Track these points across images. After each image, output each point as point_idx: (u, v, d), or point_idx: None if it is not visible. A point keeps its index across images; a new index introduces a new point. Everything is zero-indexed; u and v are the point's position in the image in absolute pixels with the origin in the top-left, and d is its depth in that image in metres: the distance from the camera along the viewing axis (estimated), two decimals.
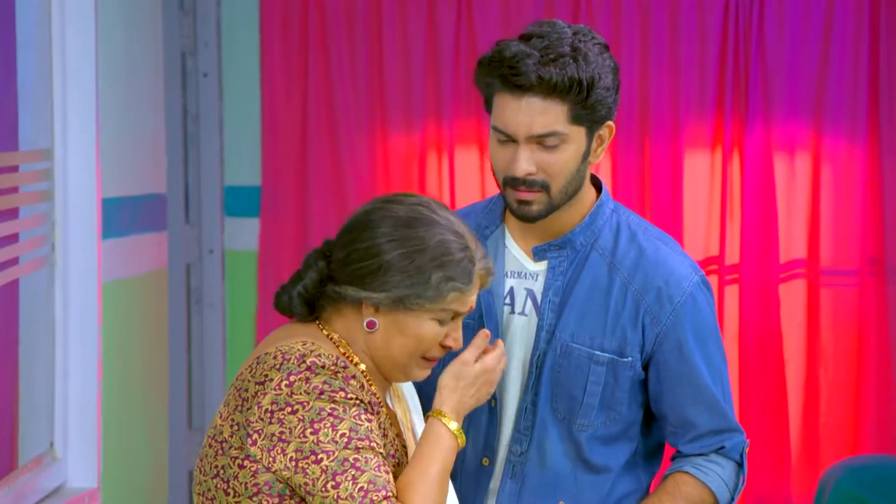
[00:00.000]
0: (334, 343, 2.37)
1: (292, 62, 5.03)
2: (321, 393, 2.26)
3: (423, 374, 2.41)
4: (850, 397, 4.92)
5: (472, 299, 2.37)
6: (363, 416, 2.27)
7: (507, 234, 2.70)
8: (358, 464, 2.23)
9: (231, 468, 2.30)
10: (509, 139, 2.57)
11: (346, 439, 2.24)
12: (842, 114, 4.86)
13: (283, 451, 2.26)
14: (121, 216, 4.24)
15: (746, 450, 2.76)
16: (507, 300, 2.69)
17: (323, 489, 2.23)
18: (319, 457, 2.24)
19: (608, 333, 2.66)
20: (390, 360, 2.38)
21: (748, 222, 4.90)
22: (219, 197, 5.16)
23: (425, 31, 4.96)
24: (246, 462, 2.29)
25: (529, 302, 2.69)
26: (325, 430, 2.25)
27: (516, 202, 2.60)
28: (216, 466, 2.32)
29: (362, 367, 2.37)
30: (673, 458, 2.80)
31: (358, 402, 2.28)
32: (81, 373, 3.90)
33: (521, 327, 2.69)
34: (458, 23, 4.94)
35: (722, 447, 2.73)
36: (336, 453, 2.23)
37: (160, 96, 4.65)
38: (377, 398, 2.38)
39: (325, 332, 2.38)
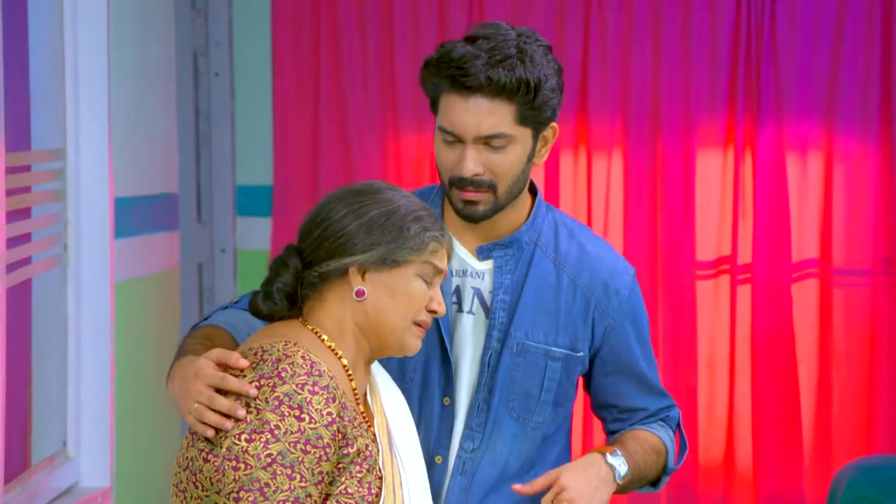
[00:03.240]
0: (317, 336, 2.38)
1: (304, 62, 5.02)
2: (278, 423, 2.25)
3: (417, 343, 2.43)
4: (863, 397, 4.90)
5: (444, 262, 2.41)
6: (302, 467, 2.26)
7: (449, 234, 2.71)
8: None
9: (197, 461, 2.30)
10: (456, 139, 2.60)
11: (270, 459, 2.24)
12: (854, 113, 4.84)
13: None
14: (133, 216, 4.24)
15: (680, 419, 2.86)
16: (455, 298, 2.72)
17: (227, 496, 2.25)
18: (238, 465, 2.25)
19: (561, 329, 2.71)
20: (385, 327, 2.39)
21: (760, 222, 4.89)
22: (231, 196, 5.16)
23: (436, 31, 4.96)
24: (210, 456, 2.29)
25: (476, 301, 2.71)
26: (256, 443, 2.25)
27: (462, 202, 2.63)
28: (187, 458, 2.32)
29: (344, 361, 2.38)
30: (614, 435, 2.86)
31: (306, 440, 2.25)
32: (94, 372, 3.91)
33: (471, 326, 2.73)
34: (470, 23, 4.93)
35: (667, 417, 2.84)
36: (254, 471, 2.24)
37: (172, 96, 4.65)
38: (355, 394, 2.38)
39: (308, 327, 2.39)
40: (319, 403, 2.27)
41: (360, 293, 2.37)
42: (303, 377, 2.28)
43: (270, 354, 2.31)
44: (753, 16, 4.85)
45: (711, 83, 4.88)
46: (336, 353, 2.38)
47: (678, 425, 2.86)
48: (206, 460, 2.28)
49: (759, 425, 4.91)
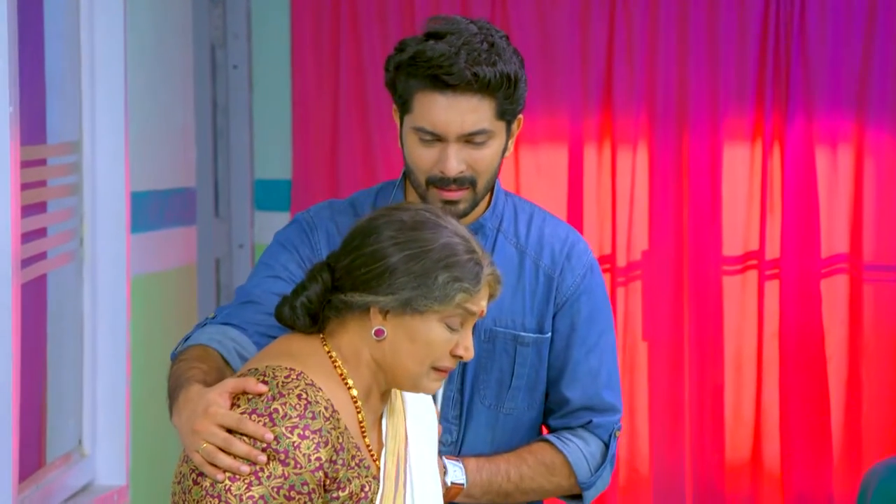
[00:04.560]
0: (332, 361, 2.32)
1: (323, 54, 4.99)
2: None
3: (435, 386, 2.36)
4: (894, 395, 4.87)
5: (481, 304, 2.33)
6: None
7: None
8: None
9: (187, 480, 2.25)
10: (435, 139, 2.57)
11: (251, 502, 2.19)
12: (885, 106, 4.81)
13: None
14: (149, 210, 4.22)
15: (617, 433, 2.74)
16: None
17: None
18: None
19: (528, 312, 2.68)
20: (400, 370, 2.32)
21: (789, 217, 4.86)
22: (248, 191, 5.14)
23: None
24: (199, 479, 2.23)
25: None
26: (240, 483, 2.20)
27: (442, 202, 2.60)
28: (181, 473, 2.27)
29: (354, 392, 2.32)
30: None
31: (290, 486, 2.20)
32: (110, 369, 3.89)
33: None
34: (493, 14, 4.90)
35: (590, 422, 2.72)
36: None
37: (189, 89, 4.63)
38: (362, 427, 2.32)
39: (326, 348, 2.33)
40: (308, 448, 2.21)
41: (378, 333, 2.31)
42: (294, 419, 2.22)
43: (270, 386, 2.25)
44: (783, 6, 4.82)
45: (739, 75, 4.84)
46: (346, 383, 2.32)
47: (610, 437, 2.73)
48: (195, 482, 2.23)
49: (787, 423, 4.89)
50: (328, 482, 2.23)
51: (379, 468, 2.35)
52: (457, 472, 2.61)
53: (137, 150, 4.01)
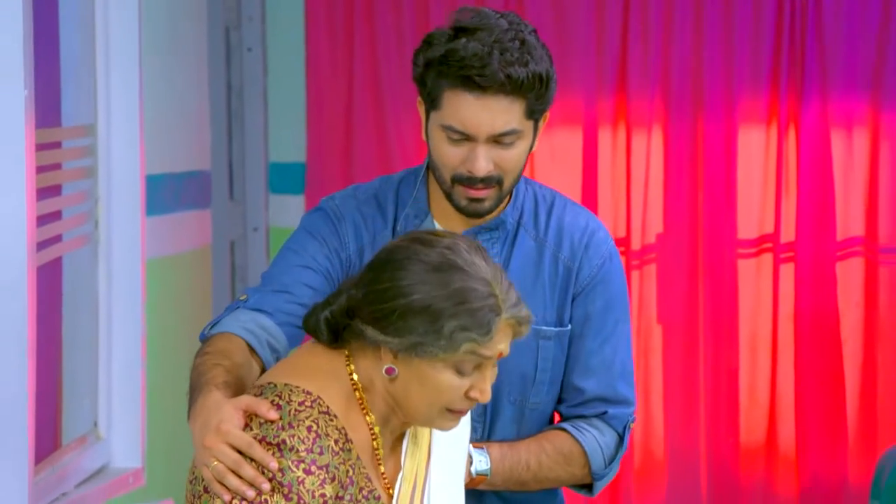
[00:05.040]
0: (353, 385, 2.28)
1: (338, 37, 4.98)
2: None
3: (451, 425, 2.33)
4: None
5: (498, 347, 2.27)
6: None
7: (436, 223, 2.66)
8: None
9: (198, 485, 2.24)
10: (464, 138, 2.54)
11: None
12: None
13: None
14: (164, 193, 4.22)
15: (631, 425, 2.72)
16: None
17: None
18: None
19: (548, 306, 2.66)
20: (412, 409, 2.29)
21: (804, 199, 4.85)
22: (263, 174, 5.14)
23: (473, 4, 4.90)
24: (206, 495, 2.22)
25: None
26: None
27: (467, 199, 2.58)
28: (192, 474, 2.27)
29: (369, 418, 2.29)
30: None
31: None
32: (125, 351, 3.89)
33: None
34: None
35: (605, 412, 2.70)
36: None
37: (204, 72, 4.63)
38: (376, 455, 2.29)
39: (349, 368, 2.30)
40: (313, 485, 2.19)
41: (389, 371, 2.27)
42: (301, 454, 2.19)
43: (285, 410, 2.22)
44: None
45: (754, 58, 4.83)
46: (364, 409, 2.29)
47: (624, 429, 2.71)
48: (206, 489, 2.23)
49: (802, 406, 4.88)
50: None
51: (392, 496, 2.32)
52: (482, 462, 2.59)
53: (152, 133, 4.01)
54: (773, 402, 4.90)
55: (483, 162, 2.53)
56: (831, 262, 4.85)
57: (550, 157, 4.95)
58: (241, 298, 2.60)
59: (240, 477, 2.19)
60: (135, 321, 3.89)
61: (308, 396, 2.24)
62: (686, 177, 4.89)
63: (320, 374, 2.28)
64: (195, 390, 2.36)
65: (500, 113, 2.51)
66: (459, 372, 2.25)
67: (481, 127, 2.52)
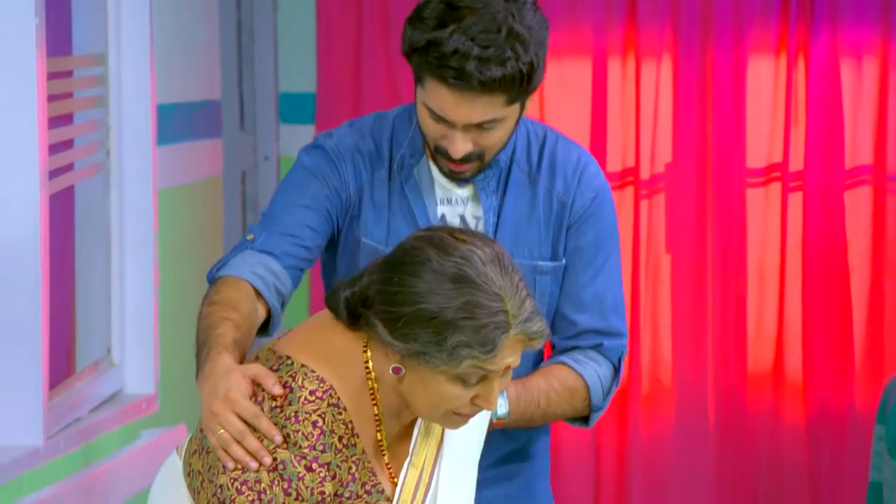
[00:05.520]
0: (367, 374, 2.26)
1: None
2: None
3: (458, 426, 2.31)
4: None
5: (505, 361, 2.22)
6: None
7: (430, 164, 2.66)
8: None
9: (203, 475, 2.24)
10: (444, 120, 2.52)
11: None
12: None
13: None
14: (175, 122, 4.22)
15: (625, 356, 2.73)
16: None
17: None
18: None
19: (543, 241, 2.66)
20: (418, 409, 2.28)
21: (813, 128, 4.84)
22: (273, 104, 5.13)
23: None
24: (215, 477, 2.22)
25: (462, 227, 2.65)
26: (244, 497, 2.19)
27: (448, 170, 2.59)
28: (189, 464, 2.27)
29: (377, 409, 2.27)
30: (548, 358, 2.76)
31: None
32: (138, 279, 3.91)
33: None
34: None
35: (600, 344, 2.70)
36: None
37: (213, 4, 4.61)
38: (380, 445, 2.28)
39: (366, 355, 2.27)
40: (312, 481, 2.19)
41: (396, 370, 2.24)
42: (304, 450, 2.19)
43: (295, 396, 2.21)
44: None
45: None
46: (374, 399, 2.27)
47: (619, 360, 2.72)
48: (211, 480, 2.22)
49: (809, 334, 4.90)
50: None
51: (396, 484, 2.31)
52: (502, 406, 2.59)
53: (163, 62, 4.00)
54: (780, 330, 4.91)
55: (461, 145, 2.52)
56: (839, 190, 4.84)
57: (560, 87, 4.94)
58: (248, 238, 2.59)
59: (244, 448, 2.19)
60: (147, 249, 3.91)
61: (321, 386, 2.22)
62: (695, 106, 4.88)
63: (336, 359, 2.26)
64: (203, 347, 2.35)
65: (478, 106, 2.49)
66: (464, 382, 2.22)
67: (458, 118, 2.50)
